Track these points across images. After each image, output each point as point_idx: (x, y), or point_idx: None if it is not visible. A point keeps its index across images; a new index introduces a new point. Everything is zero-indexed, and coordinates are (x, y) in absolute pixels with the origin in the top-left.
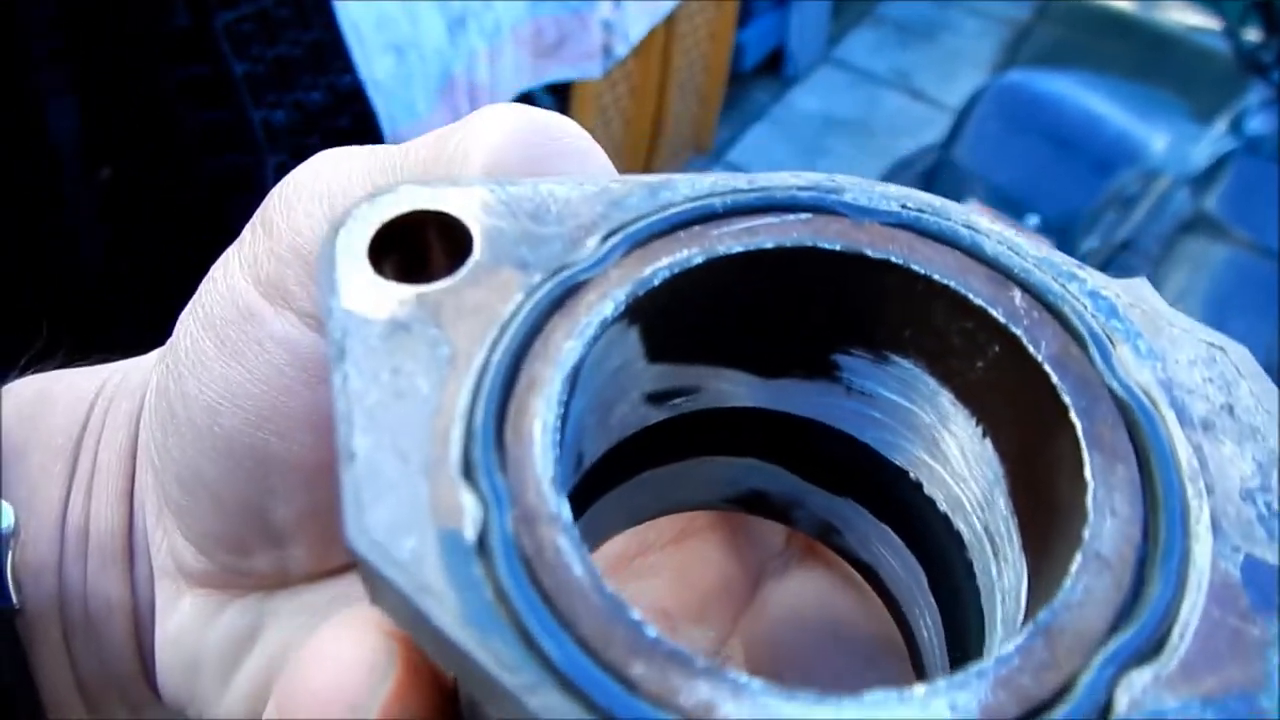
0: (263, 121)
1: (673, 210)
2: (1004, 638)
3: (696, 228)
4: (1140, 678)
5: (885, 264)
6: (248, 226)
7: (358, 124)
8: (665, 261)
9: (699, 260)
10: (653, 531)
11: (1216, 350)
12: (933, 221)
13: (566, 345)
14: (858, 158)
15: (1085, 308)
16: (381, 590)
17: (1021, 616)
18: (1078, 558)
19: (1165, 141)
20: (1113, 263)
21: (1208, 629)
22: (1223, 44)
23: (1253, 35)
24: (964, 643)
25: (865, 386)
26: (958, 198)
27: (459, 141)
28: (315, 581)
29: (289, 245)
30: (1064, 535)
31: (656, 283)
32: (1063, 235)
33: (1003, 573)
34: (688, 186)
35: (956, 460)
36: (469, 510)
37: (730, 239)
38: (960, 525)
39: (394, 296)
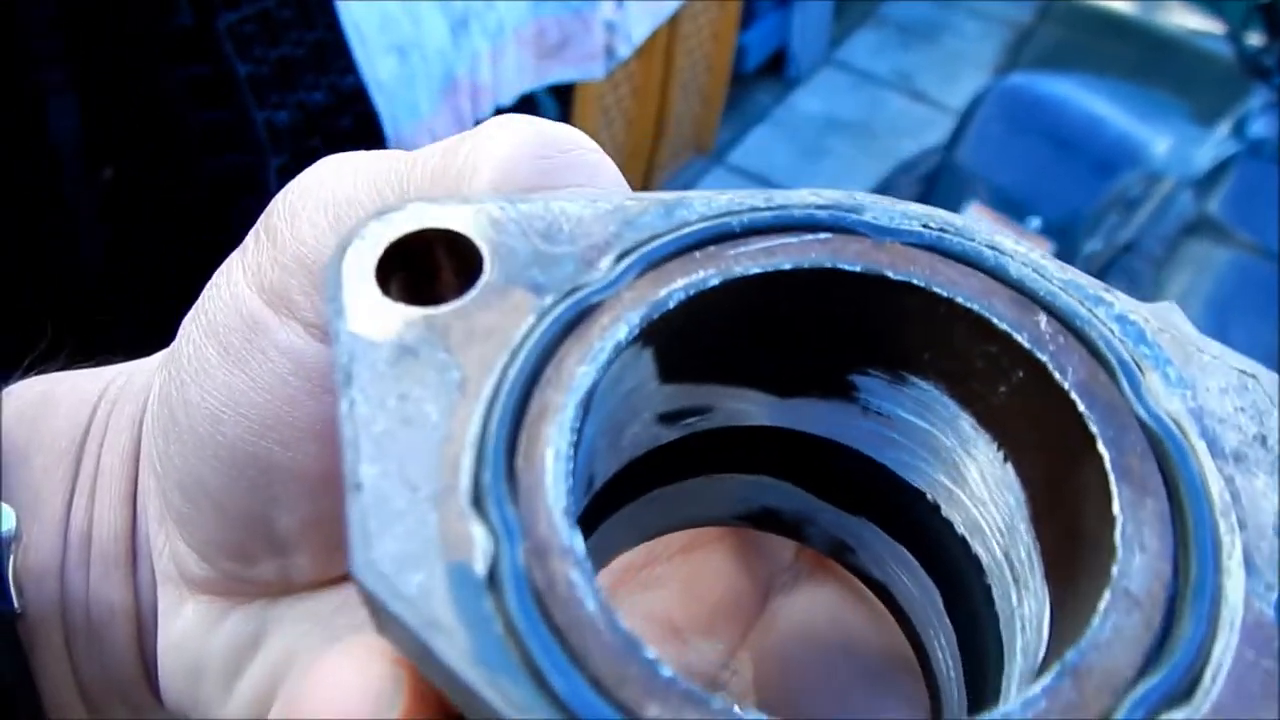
0: (265, 122)
1: (688, 229)
2: (1024, 668)
3: (712, 247)
4: None
5: (907, 286)
6: (251, 233)
7: (360, 125)
8: (680, 283)
9: (715, 282)
10: (660, 543)
11: (1248, 378)
12: (955, 242)
13: (579, 371)
14: (859, 159)
15: (1113, 333)
16: (388, 624)
17: (1044, 649)
18: (1106, 595)
19: (1167, 144)
20: (1115, 264)
21: (1241, 671)
22: (1224, 47)
23: (1255, 39)
24: (981, 668)
25: (883, 407)
26: (960, 199)
27: (467, 154)
28: (319, 589)
29: (293, 254)
30: (1089, 567)
31: (671, 305)
32: (1065, 237)
33: (1023, 600)
34: (703, 204)
35: (976, 484)
36: (479, 542)
37: (747, 259)
38: (979, 549)
39: (402, 318)
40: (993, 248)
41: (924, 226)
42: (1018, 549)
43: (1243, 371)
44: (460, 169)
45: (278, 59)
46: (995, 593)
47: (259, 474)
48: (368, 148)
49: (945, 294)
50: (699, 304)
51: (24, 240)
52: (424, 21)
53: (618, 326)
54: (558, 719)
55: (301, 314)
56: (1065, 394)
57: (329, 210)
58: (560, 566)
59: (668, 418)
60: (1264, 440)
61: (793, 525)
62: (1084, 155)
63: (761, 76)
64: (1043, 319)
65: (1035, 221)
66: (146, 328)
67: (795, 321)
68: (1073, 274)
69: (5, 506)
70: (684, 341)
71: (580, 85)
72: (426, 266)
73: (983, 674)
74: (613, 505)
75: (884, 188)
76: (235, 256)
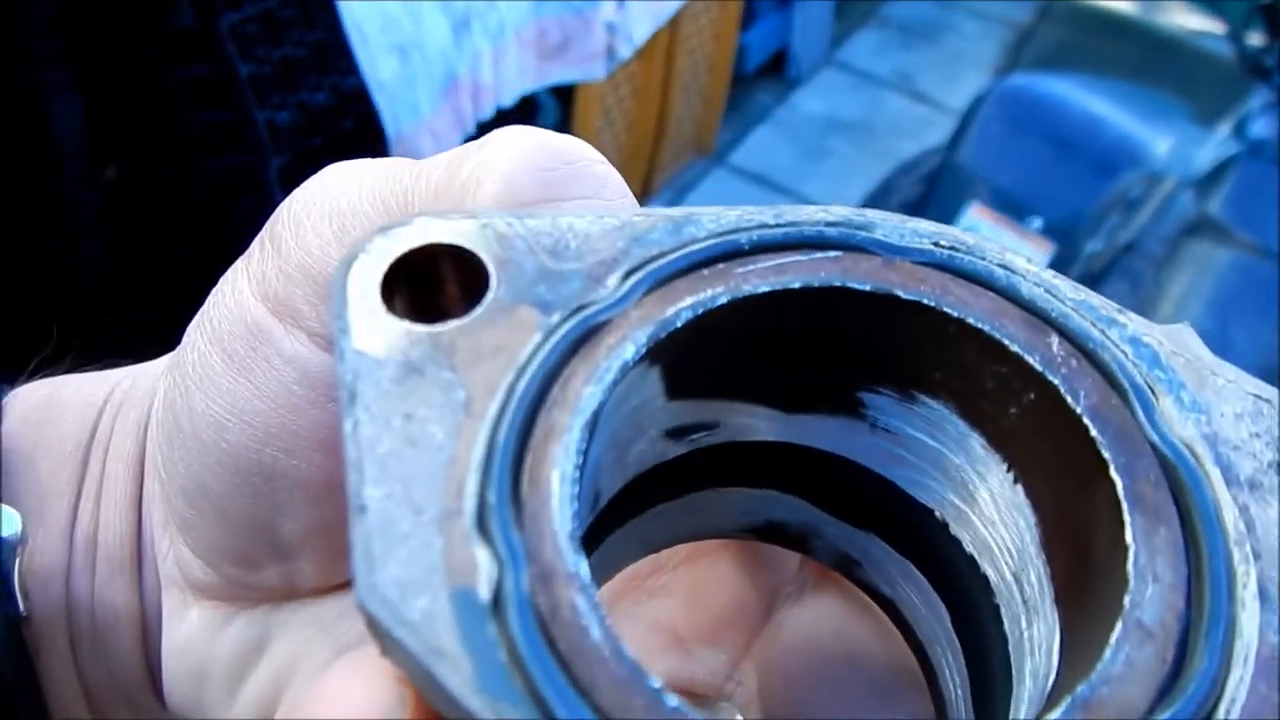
0: (267, 122)
1: (696, 246)
2: (1033, 692)
3: (721, 265)
4: None
5: (917, 306)
6: (256, 241)
7: (361, 125)
8: (688, 301)
9: (723, 300)
10: (664, 551)
11: (1264, 403)
12: (966, 261)
13: (586, 391)
14: (860, 159)
15: (1126, 355)
16: (391, 648)
17: (1053, 675)
18: (1118, 626)
19: (1168, 145)
20: (1116, 265)
21: (1255, 706)
22: (1224, 47)
23: (1256, 39)
24: (989, 688)
25: (891, 425)
26: (961, 200)
27: (472, 166)
28: (323, 595)
29: (298, 264)
30: (1100, 595)
31: (679, 324)
32: (1066, 237)
33: (1033, 623)
34: (712, 221)
35: (986, 505)
36: (483, 567)
37: (756, 277)
38: (987, 569)
39: (407, 336)
40: (1004, 267)
41: (935, 245)
42: (1028, 572)
43: (1258, 396)
44: (465, 181)
45: (280, 59)
46: (1004, 613)
47: (263, 481)
48: (369, 148)
49: (956, 314)
50: (707, 322)
51: (24, 240)
52: (425, 22)
53: (624, 346)
54: None
55: (306, 323)
56: (1077, 418)
57: (333, 220)
58: (565, 592)
59: (674, 433)
60: (1279, 467)
61: (799, 539)
62: (1085, 156)
63: (762, 77)
64: (1055, 341)
65: (1036, 222)
66: (146, 328)
67: (804, 339)
68: (1085, 294)
69: (11, 510)
70: (691, 359)
71: (581, 86)
72: (432, 281)
73: (990, 694)
74: (618, 520)
75: (885, 188)
76: (240, 264)
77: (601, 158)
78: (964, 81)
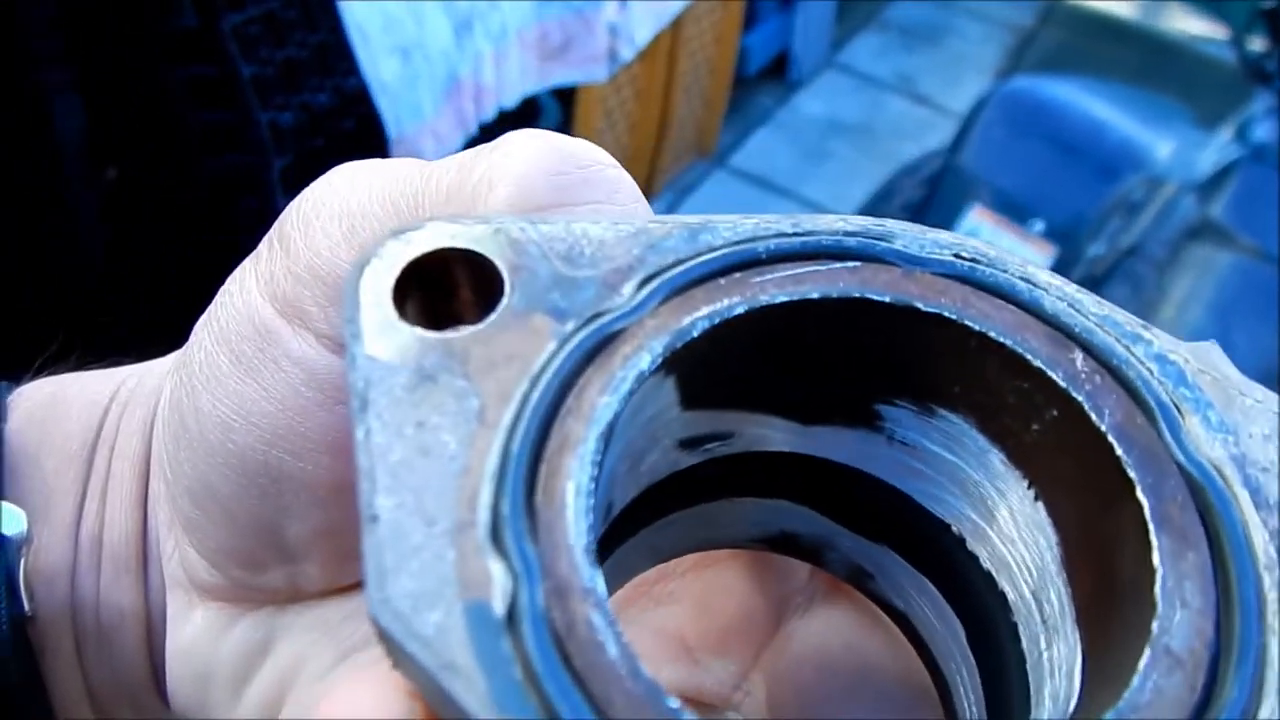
0: (269, 123)
1: (713, 254)
2: (1054, 716)
3: (738, 274)
4: None
5: (937, 318)
6: (264, 241)
7: (363, 126)
8: (705, 311)
9: (740, 310)
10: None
11: None
12: (988, 273)
13: (601, 401)
14: (861, 162)
15: (1151, 373)
16: (403, 662)
17: (1075, 698)
18: (1146, 653)
19: (1170, 148)
20: (1118, 268)
21: None
22: (1225, 51)
23: (1258, 44)
24: (1006, 707)
25: (908, 438)
26: (962, 202)
27: (484, 170)
28: (328, 597)
29: (306, 265)
30: (1125, 618)
31: (695, 334)
32: (1067, 240)
33: (1053, 643)
34: (729, 229)
35: (1005, 521)
36: (498, 580)
37: (774, 287)
38: (1005, 586)
39: (420, 342)
40: (1027, 280)
41: (955, 257)
42: (1047, 591)
43: None
44: (476, 185)
45: (282, 60)
46: (1022, 631)
47: (269, 483)
48: (371, 149)
49: (978, 327)
50: (723, 332)
51: (24, 239)
52: (427, 23)
53: (640, 355)
54: None
55: (314, 324)
56: (1102, 436)
57: (342, 221)
58: (581, 608)
59: (688, 443)
60: None
61: (811, 550)
62: (1087, 159)
63: (764, 79)
64: (1079, 356)
65: (1038, 225)
66: (146, 327)
67: (821, 350)
68: (1109, 309)
69: (16, 509)
70: (707, 369)
71: (583, 87)
72: (444, 286)
73: (1007, 713)
74: (629, 530)
75: (886, 191)
76: (248, 264)
77: (614, 161)
78: (965, 84)
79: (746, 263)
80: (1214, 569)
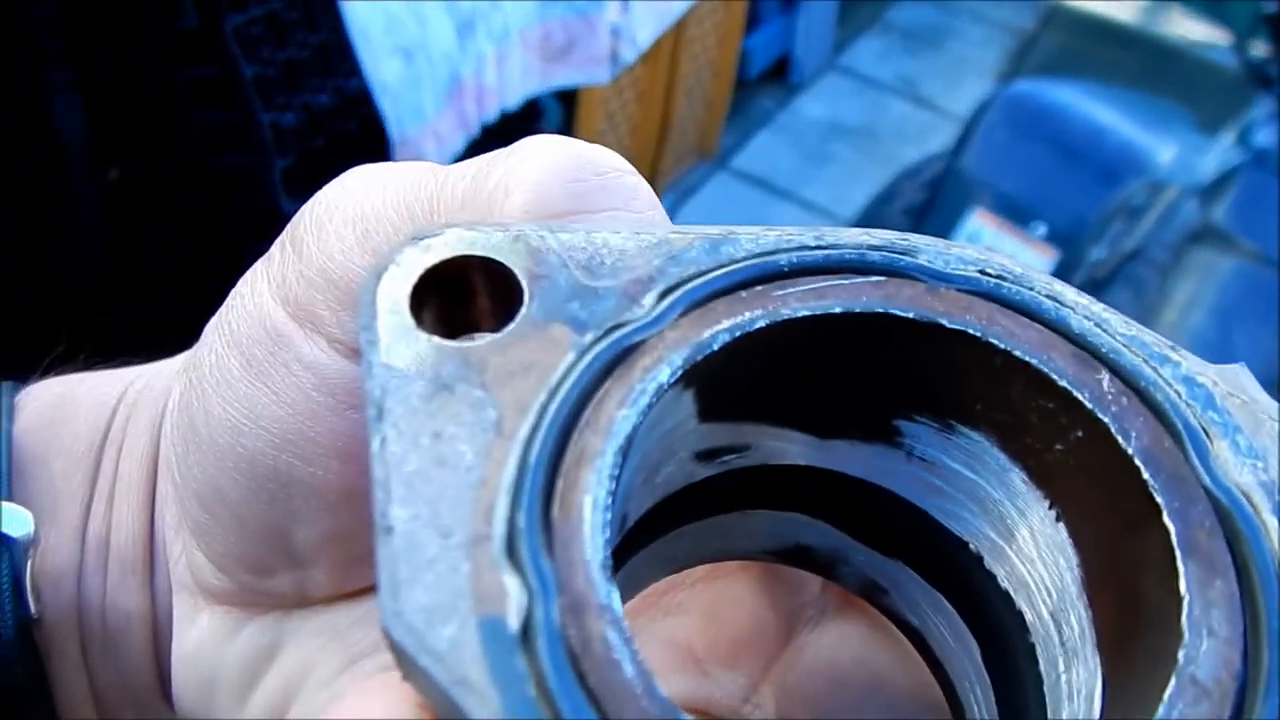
0: (271, 124)
1: (734, 266)
2: None
3: (759, 287)
4: None
5: (962, 335)
6: (276, 244)
7: (364, 127)
8: (726, 324)
9: (761, 324)
10: None
11: None
12: (1013, 291)
13: (619, 414)
14: (863, 164)
15: (1179, 395)
16: (415, 675)
17: None
18: (1172, 682)
19: (1172, 153)
20: (1120, 272)
21: None
22: (1227, 56)
23: (1259, 49)
24: None
25: (928, 454)
26: (964, 205)
27: (500, 175)
28: (335, 602)
29: (319, 269)
30: (1149, 645)
31: (715, 347)
32: (1069, 244)
33: (1071, 666)
34: (751, 241)
35: (1025, 541)
36: (513, 595)
37: (795, 301)
38: (1023, 606)
39: (437, 351)
40: (1053, 298)
41: (980, 273)
42: (1067, 613)
43: None
44: (492, 191)
45: (284, 61)
46: (1040, 652)
47: (279, 488)
48: (372, 149)
49: (1003, 346)
50: (744, 345)
51: (25, 239)
52: (430, 24)
53: (660, 368)
54: None
55: (326, 329)
56: (1128, 459)
57: (356, 225)
58: (597, 625)
59: (704, 455)
60: None
61: (825, 563)
62: (1089, 163)
63: (765, 81)
64: (1105, 377)
65: (1040, 228)
66: (146, 328)
67: (842, 365)
68: (1137, 330)
69: (24, 510)
70: (726, 382)
71: (585, 89)
72: (461, 293)
73: None
74: (642, 541)
75: (888, 193)
76: (260, 266)
77: (631, 168)
78: (967, 87)
79: (768, 276)
80: (1241, 598)
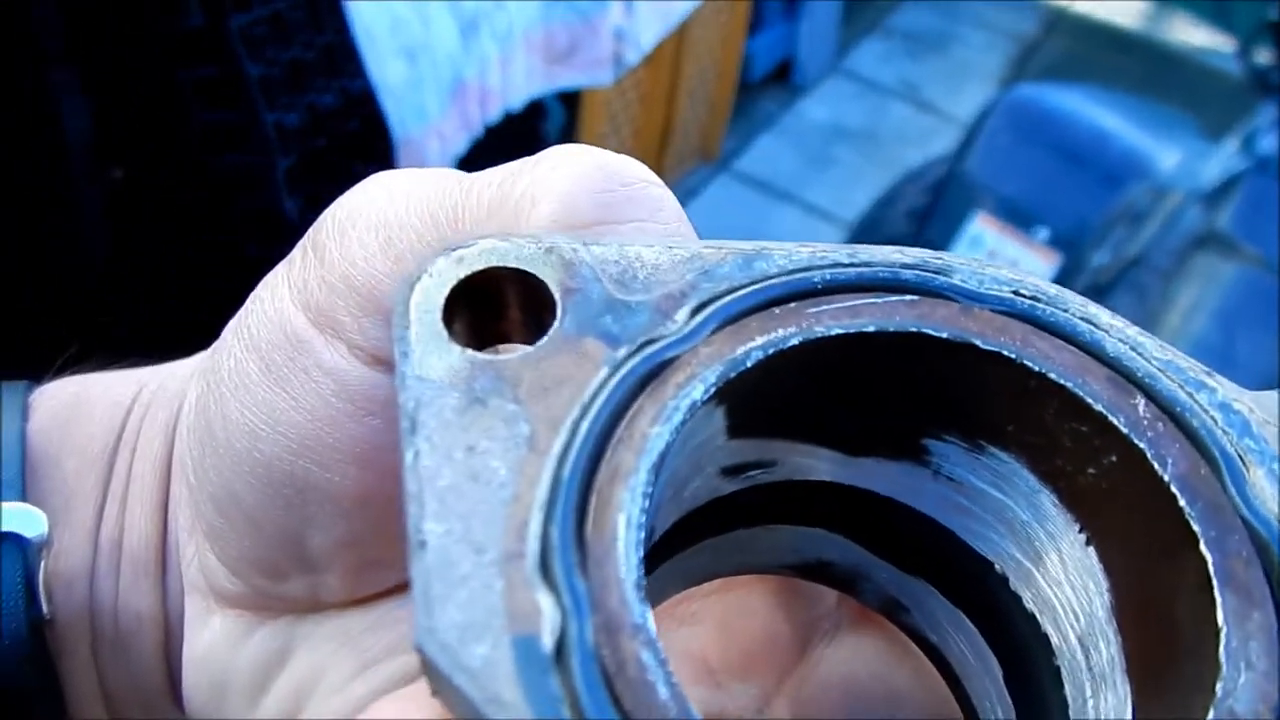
0: (275, 124)
1: (768, 283)
2: None
3: (792, 304)
4: None
5: (995, 356)
6: (297, 248)
7: (368, 127)
8: (759, 341)
9: (795, 341)
10: None
11: None
12: (1048, 312)
13: (653, 431)
14: (865, 168)
15: (1215, 422)
16: (447, 693)
17: None
18: (1210, 715)
19: (1175, 158)
20: (1123, 278)
21: None
22: (1229, 62)
23: (1263, 55)
24: None
25: (955, 473)
26: (967, 209)
27: (527, 185)
28: (348, 608)
29: (341, 274)
30: (1183, 675)
31: (749, 365)
32: (1072, 248)
33: (1099, 691)
34: (784, 257)
35: (1053, 564)
36: (547, 614)
37: (829, 319)
38: (1049, 629)
39: (470, 364)
40: (1087, 320)
41: (1015, 294)
42: (1095, 638)
43: None
44: (519, 200)
45: (288, 61)
46: (1065, 677)
47: (295, 493)
48: (375, 150)
49: (1037, 368)
50: (777, 362)
51: (26, 238)
52: (434, 25)
53: (693, 385)
54: None
55: (347, 335)
56: (1164, 486)
57: (379, 232)
58: (631, 646)
59: (731, 470)
60: None
61: (846, 579)
62: (1092, 167)
63: (768, 84)
64: (1141, 402)
65: (1043, 232)
66: (146, 327)
67: (873, 383)
68: (1172, 354)
69: (37, 511)
70: (757, 399)
71: (587, 91)
72: (493, 305)
73: None
74: (665, 554)
75: (891, 197)
76: (280, 271)
77: (658, 179)
78: (969, 91)
79: (801, 293)
80: (1279, 631)
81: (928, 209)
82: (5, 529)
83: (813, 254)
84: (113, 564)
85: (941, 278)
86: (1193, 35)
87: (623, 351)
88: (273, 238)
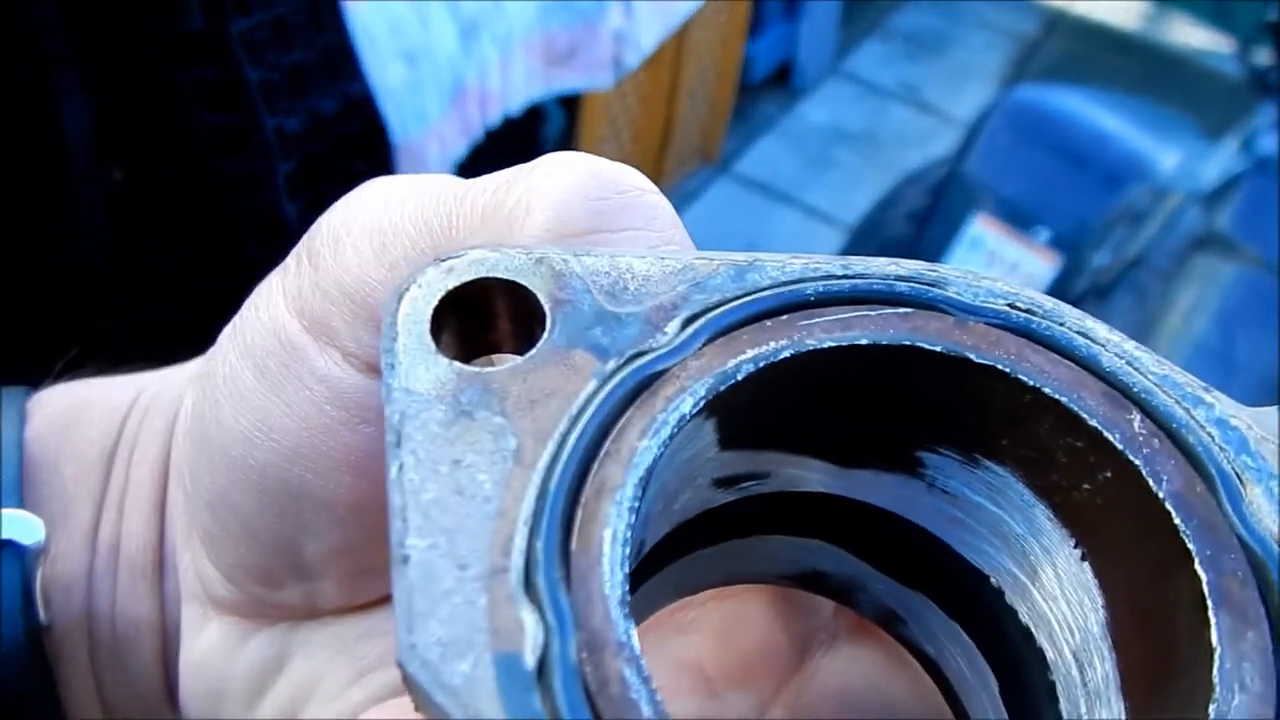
0: (275, 128)
1: (760, 295)
2: None
3: (785, 316)
4: None
5: (990, 370)
6: (291, 255)
7: (367, 130)
8: (750, 354)
9: (787, 354)
10: None
11: None
12: (1043, 326)
13: (641, 445)
14: (865, 169)
15: (1212, 439)
16: (429, 710)
17: None
18: None
19: (1175, 159)
20: (1123, 278)
21: None
22: (1229, 63)
23: (1262, 56)
24: None
25: (950, 486)
26: (967, 210)
27: (521, 193)
28: (344, 615)
29: (335, 281)
30: (1177, 694)
31: (740, 377)
32: (1072, 249)
33: (1094, 708)
34: (777, 269)
35: (1048, 579)
36: (529, 631)
37: (821, 331)
38: (1044, 643)
39: (457, 376)
40: (1083, 334)
41: (1010, 307)
42: (1090, 654)
43: None
44: (513, 208)
45: (289, 65)
46: (1060, 691)
47: (289, 500)
48: (375, 154)
49: (1032, 383)
50: (768, 375)
51: (27, 239)
52: (433, 28)
53: (683, 399)
54: None
55: (341, 342)
56: (1159, 503)
57: (373, 239)
58: (614, 664)
59: (723, 482)
60: None
61: (841, 590)
62: (1092, 168)
63: (768, 86)
64: (1136, 418)
65: (1043, 234)
66: (145, 329)
67: (866, 395)
68: (1169, 369)
69: (35, 517)
70: (749, 411)
71: (587, 94)
72: (482, 314)
73: None
74: (656, 566)
75: (891, 198)
76: (275, 277)
77: (653, 187)
78: (969, 93)
79: (794, 305)
80: (1275, 651)
81: (928, 211)
82: (3, 536)
83: (806, 266)
84: (110, 569)
85: (936, 290)
86: (1192, 36)
87: (612, 364)
88: (273, 239)
